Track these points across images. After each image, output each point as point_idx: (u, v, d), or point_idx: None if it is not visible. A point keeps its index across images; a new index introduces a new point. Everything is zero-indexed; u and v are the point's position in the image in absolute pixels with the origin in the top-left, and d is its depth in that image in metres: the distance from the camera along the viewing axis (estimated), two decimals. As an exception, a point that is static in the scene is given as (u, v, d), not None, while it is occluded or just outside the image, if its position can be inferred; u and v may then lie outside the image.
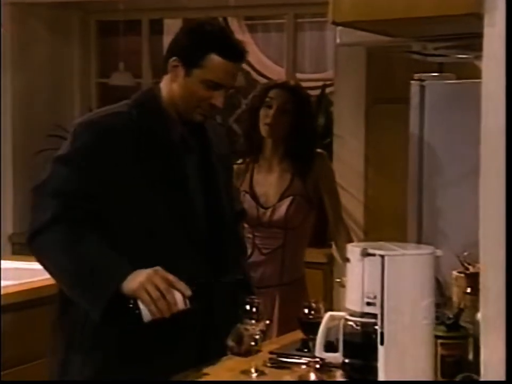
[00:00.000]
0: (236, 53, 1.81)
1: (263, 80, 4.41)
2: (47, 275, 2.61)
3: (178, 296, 1.65)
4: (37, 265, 2.79)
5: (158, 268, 1.68)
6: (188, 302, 1.67)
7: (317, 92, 3.88)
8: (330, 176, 2.69)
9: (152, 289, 1.64)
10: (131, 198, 1.75)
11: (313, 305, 1.78)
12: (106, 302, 1.66)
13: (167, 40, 4.58)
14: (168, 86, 1.82)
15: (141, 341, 1.73)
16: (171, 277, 1.66)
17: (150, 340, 1.72)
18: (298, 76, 4.13)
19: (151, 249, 1.76)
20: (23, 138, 4.12)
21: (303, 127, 2.56)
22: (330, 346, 1.57)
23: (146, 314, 1.65)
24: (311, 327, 1.72)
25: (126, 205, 1.75)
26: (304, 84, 4.13)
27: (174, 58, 1.80)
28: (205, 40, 1.79)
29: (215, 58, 1.77)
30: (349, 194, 3.47)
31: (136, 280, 1.65)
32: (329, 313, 1.58)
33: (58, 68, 4.31)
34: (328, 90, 3.83)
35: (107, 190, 1.73)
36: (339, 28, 1.78)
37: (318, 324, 1.60)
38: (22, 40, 4.07)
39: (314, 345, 1.61)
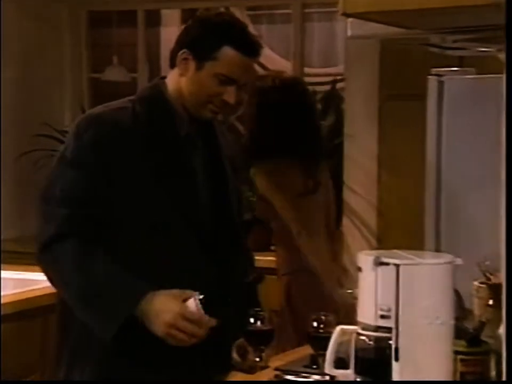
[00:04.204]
0: (251, 47, 1.82)
1: (268, 75, 4.41)
2: (35, 285, 2.68)
3: (206, 331, 1.69)
4: (25, 275, 2.87)
5: (180, 304, 1.68)
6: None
7: (327, 88, 3.89)
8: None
9: (180, 335, 1.68)
10: (137, 196, 1.77)
11: (323, 318, 1.79)
12: (118, 327, 1.68)
13: (164, 32, 4.61)
14: (176, 81, 1.83)
15: (148, 352, 1.75)
16: (195, 313, 1.67)
17: (157, 350, 1.74)
18: (306, 70, 4.14)
19: (157, 247, 1.77)
20: (7, 139, 4.11)
21: None
22: (341, 363, 1.58)
23: None
24: (320, 342, 1.73)
25: (132, 203, 1.77)
26: (312, 79, 4.18)
27: (183, 50, 1.81)
28: (220, 31, 1.80)
29: (229, 51, 1.79)
30: (361, 198, 3.48)
31: (159, 324, 1.67)
32: (340, 327, 1.59)
33: (46, 62, 4.31)
34: (338, 86, 3.84)
35: (114, 190, 1.75)
36: (350, 19, 1.79)
37: (328, 338, 1.61)
38: (7, 33, 4.07)
39: (323, 361, 1.61)
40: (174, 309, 1.67)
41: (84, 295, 1.72)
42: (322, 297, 2.63)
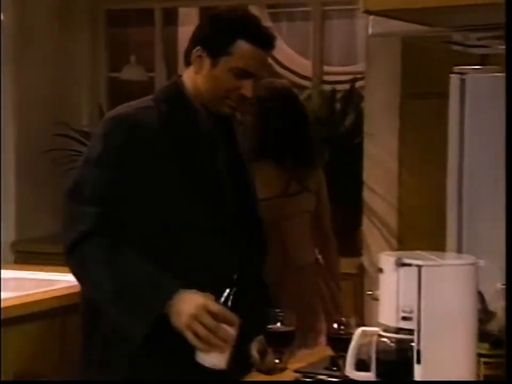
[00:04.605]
0: (265, 39, 1.84)
1: (287, 74, 4.42)
2: (53, 286, 2.69)
3: (230, 330, 1.65)
4: (42, 275, 2.88)
5: (207, 298, 1.67)
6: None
7: (346, 86, 3.89)
8: None
9: (200, 329, 1.64)
10: (163, 194, 1.78)
11: (343, 319, 1.78)
12: (149, 326, 1.68)
13: (182, 31, 4.62)
14: (192, 78, 1.85)
15: (174, 352, 1.75)
16: (220, 309, 1.66)
17: (181, 350, 1.72)
18: (326, 68, 4.13)
19: (183, 244, 1.79)
20: (26, 138, 4.14)
21: None
22: (362, 365, 1.58)
23: (198, 355, 1.66)
24: (341, 344, 1.72)
25: (158, 202, 1.78)
26: (332, 78, 4.17)
27: (198, 48, 1.83)
28: (233, 26, 1.82)
29: (244, 45, 1.80)
30: (381, 198, 3.47)
31: (182, 315, 1.66)
32: (361, 328, 1.59)
33: (64, 61, 4.32)
34: (358, 84, 3.83)
35: (141, 189, 1.77)
36: (371, 17, 1.79)
37: (349, 340, 1.60)
38: (25, 32, 4.09)
39: (344, 363, 1.61)
40: (198, 301, 1.67)
41: (115, 294, 1.72)
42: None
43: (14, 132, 4.11)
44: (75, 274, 1.80)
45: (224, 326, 1.65)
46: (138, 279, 1.72)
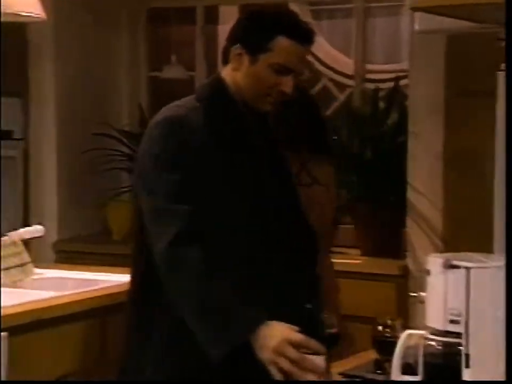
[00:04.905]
0: (305, 34, 1.85)
1: (328, 72, 4.40)
2: (94, 286, 2.72)
3: (316, 360, 1.61)
4: (83, 275, 2.92)
5: (289, 329, 1.64)
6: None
7: (390, 85, 3.86)
8: None
9: (284, 363, 1.60)
10: (215, 195, 1.79)
11: (389, 322, 1.78)
12: (229, 351, 1.66)
13: (222, 29, 4.63)
14: (232, 76, 1.86)
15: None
16: (303, 339, 1.63)
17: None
18: (368, 66, 4.11)
19: (234, 249, 1.78)
20: (67, 138, 4.18)
21: None
22: (408, 368, 1.57)
23: None
24: (386, 347, 1.72)
25: (212, 204, 1.78)
26: (375, 76, 4.14)
27: (237, 45, 1.84)
28: (272, 22, 1.83)
29: (283, 41, 1.81)
30: (426, 199, 3.44)
31: (265, 350, 1.62)
32: (407, 331, 1.58)
33: (105, 60, 4.36)
34: (402, 82, 3.80)
35: (202, 191, 1.78)
36: (418, 13, 1.78)
37: (394, 343, 1.60)
38: (64, 31, 4.13)
39: (389, 367, 1.61)
40: (279, 334, 1.63)
41: (203, 309, 1.70)
42: None
43: (55, 132, 4.16)
44: (165, 270, 1.75)
45: (310, 356, 1.61)
46: (228, 299, 1.69)
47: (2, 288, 2.57)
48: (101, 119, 4.24)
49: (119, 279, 2.74)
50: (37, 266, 2.80)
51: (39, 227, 2.86)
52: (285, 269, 1.83)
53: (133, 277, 1.93)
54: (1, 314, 2.21)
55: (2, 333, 2.15)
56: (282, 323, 1.65)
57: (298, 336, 1.62)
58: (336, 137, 3.70)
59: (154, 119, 1.86)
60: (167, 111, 1.86)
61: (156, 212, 1.77)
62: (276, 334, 1.63)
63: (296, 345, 1.61)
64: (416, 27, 1.92)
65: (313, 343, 1.62)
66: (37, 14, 2.66)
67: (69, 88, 4.16)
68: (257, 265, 1.80)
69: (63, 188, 4.17)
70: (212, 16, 4.58)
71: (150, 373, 1.82)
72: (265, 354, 1.62)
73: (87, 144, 4.12)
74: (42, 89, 4.11)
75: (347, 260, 3.51)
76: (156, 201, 1.76)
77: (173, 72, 4.37)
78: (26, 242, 2.78)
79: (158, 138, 1.80)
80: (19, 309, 2.30)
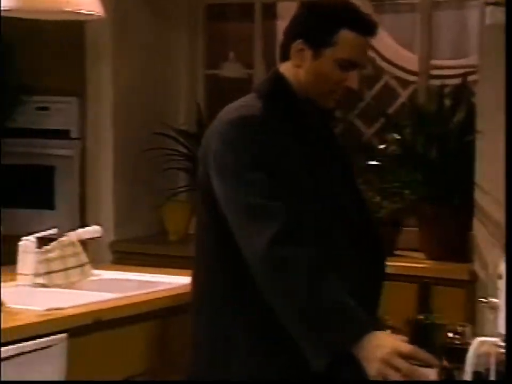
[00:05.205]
0: (368, 26, 1.84)
1: (391, 68, 4.37)
2: (153, 287, 2.75)
3: (427, 372, 1.58)
4: (142, 276, 2.95)
5: (398, 340, 1.62)
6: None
7: (456, 81, 3.81)
8: None
9: (393, 374, 1.57)
10: (302, 193, 1.79)
11: (459, 329, 1.76)
12: (331, 358, 1.63)
13: (281, 25, 4.64)
14: (293, 73, 1.86)
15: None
16: (414, 350, 1.60)
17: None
18: (434, 62, 4.06)
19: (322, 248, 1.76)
20: (124, 137, 4.22)
21: None
22: (479, 377, 1.55)
23: None
24: (456, 354, 1.70)
25: (299, 202, 1.77)
26: (440, 72, 4.09)
27: (298, 41, 1.84)
28: (334, 15, 1.83)
29: (347, 34, 1.81)
30: (494, 200, 3.39)
31: (373, 360, 1.59)
32: (478, 338, 1.56)
33: (162, 58, 4.39)
34: (469, 78, 3.75)
35: (290, 189, 1.77)
36: (489, 7, 1.76)
37: (465, 350, 1.58)
38: (122, 29, 4.17)
39: (460, 375, 1.59)
40: (388, 344, 1.60)
41: (309, 315, 1.66)
42: None
43: (112, 131, 4.21)
44: (267, 270, 1.72)
45: (421, 368, 1.58)
46: (334, 307, 1.65)
47: (61, 290, 2.63)
48: (158, 118, 4.29)
49: (178, 280, 2.77)
50: (94, 267, 2.84)
51: (97, 227, 2.89)
52: (366, 267, 1.82)
53: (207, 277, 1.91)
54: (62, 315, 2.26)
55: (61, 334, 2.19)
56: (388, 332, 1.64)
57: (408, 347, 1.59)
58: (399, 137, 3.67)
59: (225, 118, 1.85)
60: (236, 111, 1.84)
61: (249, 210, 1.73)
62: (384, 344, 1.59)
63: (406, 357, 1.57)
64: (488, 21, 1.89)
65: (425, 355, 1.59)
66: (96, 12, 2.70)
67: (126, 87, 4.21)
68: (344, 264, 1.79)
69: (119, 187, 4.22)
70: (270, 12, 4.59)
71: (235, 371, 1.82)
72: (372, 364, 1.59)
73: (144, 144, 4.16)
74: (99, 88, 4.16)
75: (411, 263, 3.47)
76: (249, 199, 1.73)
77: (230, 70, 4.39)
78: (84, 243, 2.82)
79: (239, 139, 1.79)
80: (79, 310, 2.33)
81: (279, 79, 1.89)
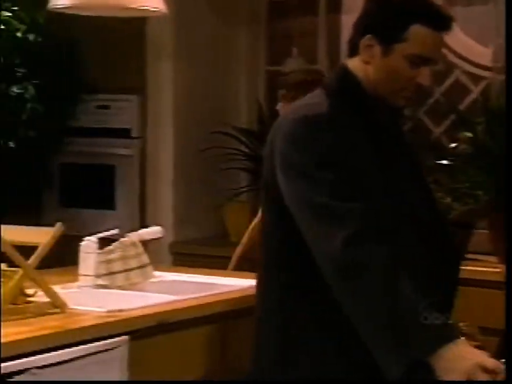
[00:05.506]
0: (442, 20, 1.81)
1: (462, 63, 4.30)
2: (213, 290, 2.75)
3: None
4: (203, 278, 2.96)
5: (481, 354, 1.60)
6: None
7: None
8: None
9: None
10: (374, 193, 1.77)
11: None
12: (406, 367, 1.60)
13: (346, 19, 4.61)
14: (362, 69, 1.85)
15: None
16: (499, 366, 1.57)
17: None
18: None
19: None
20: (185, 136, 4.26)
21: None
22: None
23: None
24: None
25: (372, 202, 1.75)
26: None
27: (368, 36, 1.82)
28: (406, 9, 1.80)
29: (420, 29, 1.78)
30: None
31: (454, 372, 1.55)
32: None
33: (223, 56, 4.41)
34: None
35: (362, 189, 1.76)
36: None
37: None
38: (183, 27, 4.19)
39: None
40: (472, 357, 1.57)
41: (384, 322, 1.63)
42: None
43: (172, 130, 4.24)
44: (341, 272, 1.70)
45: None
46: (411, 314, 1.61)
47: (122, 291, 2.66)
48: (219, 117, 4.30)
49: (239, 283, 2.78)
50: (154, 269, 2.86)
51: (158, 228, 2.92)
52: (437, 267, 1.80)
53: (274, 278, 1.91)
54: (124, 317, 2.28)
55: (124, 337, 2.21)
56: (464, 341, 1.60)
57: (492, 362, 1.56)
58: (471, 135, 3.61)
59: (291, 117, 1.85)
60: (302, 109, 1.84)
61: (317, 210, 1.72)
62: (467, 356, 1.57)
63: (490, 372, 1.55)
64: None
65: (502, 369, 1.56)
66: (159, 9, 2.73)
67: (186, 85, 4.24)
68: (413, 262, 1.76)
69: (180, 187, 4.25)
70: (334, 6, 4.56)
71: (303, 370, 1.82)
72: (452, 376, 1.56)
73: (204, 143, 4.18)
74: (160, 86, 4.20)
75: (483, 267, 3.42)
76: (317, 199, 1.72)
77: (294, 65, 4.38)
78: (143, 244, 2.84)
79: (305, 138, 1.78)
80: (141, 312, 2.35)
81: (347, 75, 1.87)
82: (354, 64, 1.87)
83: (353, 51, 1.87)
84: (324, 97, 1.85)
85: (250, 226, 3.33)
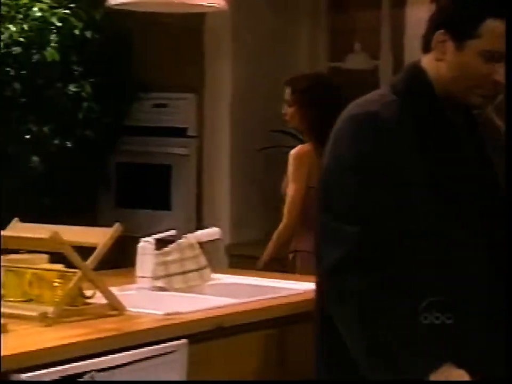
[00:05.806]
0: None
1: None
2: (273, 293, 2.74)
3: None
4: (262, 281, 2.95)
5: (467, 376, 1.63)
6: None
7: None
8: None
9: None
10: (416, 205, 1.75)
11: None
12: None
13: (410, 13, 4.57)
14: (434, 67, 1.83)
15: None
16: None
17: None
18: None
19: (446, 261, 1.75)
20: (242, 135, 4.27)
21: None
22: None
23: None
24: None
25: (413, 213, 1.75)
26: None
27: (440, 31, 1.80)
28: (481, 3, 1.78)
29: (495, 24, 1.76)
30: None
31: None
32: None
33: (282, 52, 4.41)
34: None
35: (396, 198, 1.75)
36: None
37: None
38: (242, 25, 4.21)
39: None
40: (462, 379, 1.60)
41: (369, 350, 1.69)
42: None
43: (229, 129, 4.26)
44: (331, 300, 1.77)
45: None
46: (399, 344, 1.66)
47: (180, 293, 2.67)
48: (277, 116, 4.30)
49: (297, 286, 2.77)
50: (211, 271, 2.86)
51: (216, 229, 2.92)
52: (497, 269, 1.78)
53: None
54: (182, 320, 2.30)
55: (182, 340, 2.23)
56: (460, 369, 1.63)
57: None
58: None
59: (342, 116, 1.84)
60: (356, 107, 1.83)
61: (325, 227, 1.76)
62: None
63: None
64: None
65: None
66: (218, 4, 2.74)
67: (244, 83, 4.26)
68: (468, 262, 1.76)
69: (237, 188, 4.26)
70: (398, 0, 4.53)
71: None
72: None
73: (262, 142, 4.19)
74: (218, 85, 4.22)
75: None
76: (335, 207, 1.75)
77: (356, 61, 4.35)
78: (200, 245, 2.85)
79: (351, 139, 1.78)
80: (199, 316, 2.36)
81: (418, 73, 1.85)
82: (427, 61, 1.85)
83: (426, 47, 1.85)
84: (389, 95, 1.83)
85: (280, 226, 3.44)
